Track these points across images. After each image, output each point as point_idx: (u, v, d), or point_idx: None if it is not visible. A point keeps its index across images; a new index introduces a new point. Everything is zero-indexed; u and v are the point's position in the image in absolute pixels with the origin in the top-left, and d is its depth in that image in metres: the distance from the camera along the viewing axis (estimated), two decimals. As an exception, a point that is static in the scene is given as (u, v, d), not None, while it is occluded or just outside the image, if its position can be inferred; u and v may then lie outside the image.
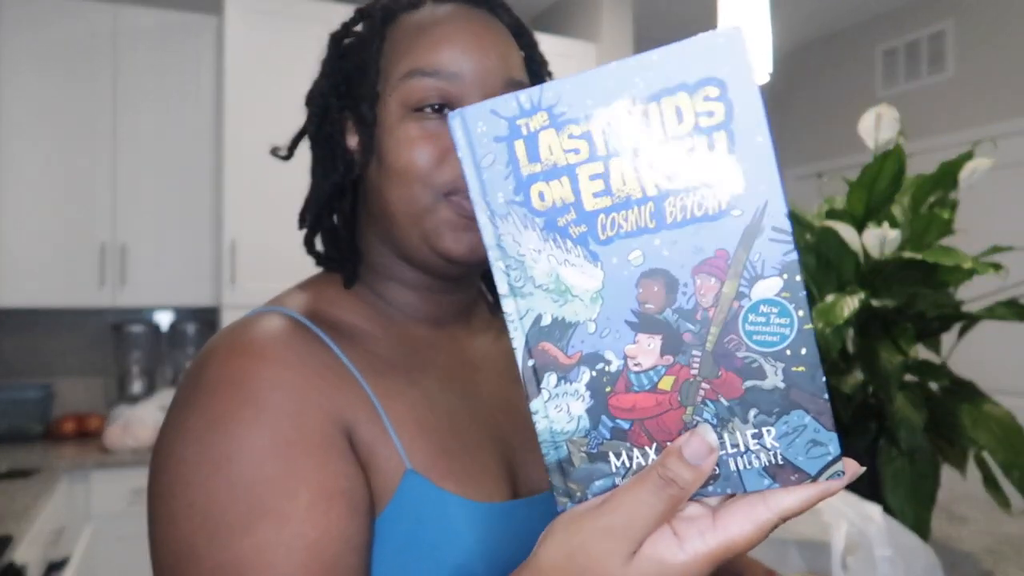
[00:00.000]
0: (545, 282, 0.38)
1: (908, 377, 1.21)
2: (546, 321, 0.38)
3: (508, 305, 0.39)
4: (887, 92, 3.59)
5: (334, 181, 0.61)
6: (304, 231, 0.65)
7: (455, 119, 0.38)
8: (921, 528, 1.09)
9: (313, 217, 0.63)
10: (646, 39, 3.95)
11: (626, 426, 0.38)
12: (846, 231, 1.16)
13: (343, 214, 0.64)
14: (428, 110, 0.57)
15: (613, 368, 0.38)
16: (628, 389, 0.38)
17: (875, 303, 1.15)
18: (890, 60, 3.61)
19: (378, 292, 0.63)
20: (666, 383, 0.37)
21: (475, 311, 0.69)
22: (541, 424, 0.39)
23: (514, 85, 0.59)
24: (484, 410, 0.62)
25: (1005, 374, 3.03)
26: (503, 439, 0.61)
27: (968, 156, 1.22)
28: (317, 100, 0.63)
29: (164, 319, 2.98)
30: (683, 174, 0.35)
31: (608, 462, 0.39)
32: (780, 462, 0.36)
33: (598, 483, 0.39)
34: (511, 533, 0.54)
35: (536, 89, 0.37)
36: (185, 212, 2.76)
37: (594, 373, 0.38)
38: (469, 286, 0.66)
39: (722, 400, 0.36)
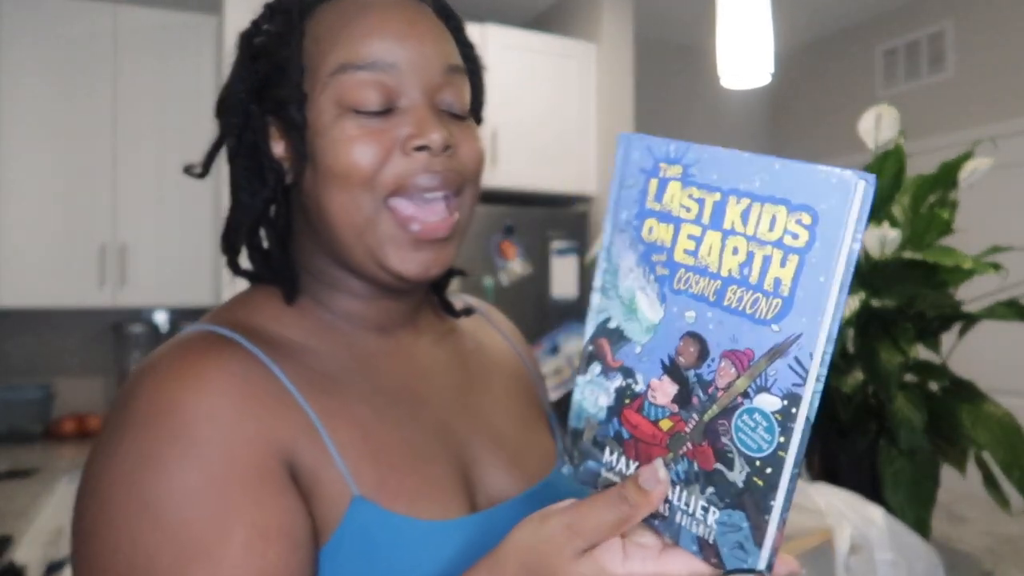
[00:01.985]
0: (624, 296, 0.44)
1: (908, 377, 1.21)
2: (612, 324, 0.45)
3: (595, 298, 0.46)
4: (887, 92, 3.59)
5: (265, 197, 0.57)
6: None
7: (627, 139, 0.45)
8: (921, 528, 1.09)
9: (243, 237, 0.58)
10: (646, 39, 3.95)
11: (626, 436, 0.44)
12: (846, 231, 1.16)
13: (276, 229, 0.58)
14: (366, 106, 0.53)
15: (637, 389, 0.44)
16: (640, 411, 0.44)
17: (875, 303, 1.15)
18: (890, 60, 3.61)
19: (320, 302, 0.59)
20: (665, 424, 0.42)
21: (422, 313, 0.65)
22: (576, 396, 0.47)
23: (453, 71, 0.56)
24: (436, 420, 0.58)
25: (1005, 374, 3.03)
26: (458, 449, 0.58)
27: (968, 156, 1.22)
28: (234, 107, 0.57)
29: (164, 319, 2.98)
30: (753, 273, 0.39)
31: (603, 453, 0.46)
32: (710, 542, 0.40)
33: (591, 463, 0.46)
34: (472, 548, 0.52)
35: (685, 145, 0.42)
36: (185, 212, 2.76)
37: (624, 383, 0.44)
38: (417, 289, 0.61)
39: (695, 465, 0.41)
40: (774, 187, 0.39)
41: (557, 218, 3.03)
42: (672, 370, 0.42)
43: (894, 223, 1.24)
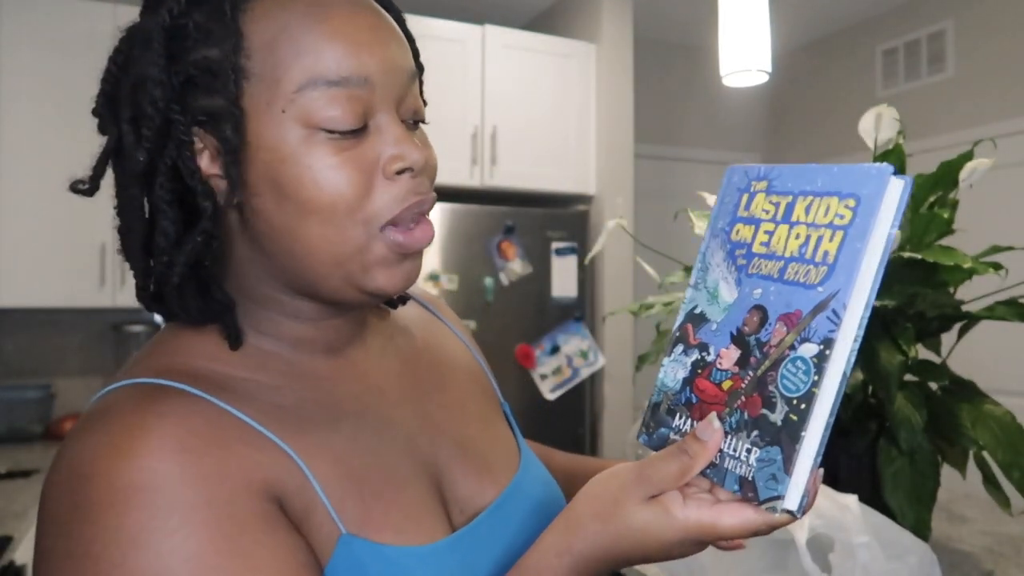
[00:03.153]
0: (710, 286, 0.52)
1: (908, 377, 1.21)
2: (697, 311, 0.53)
3: (688, 292, 0.54)
4: (887, 92, 3.59)
5: (203, 227, 0.48)
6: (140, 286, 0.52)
7: (731, 169, 0.54)
8: (921, 528, 1.09)
9: (174, 273, 0.48)
10: (646, 39, 3.95)
11: (694, 400, 0.51)
12: (846, 231, 1.16)
13: (213, 262, 0.50)
14: (341, 126, 0.47)
15: (709, 358, 0.51)
16: (708, 377, 0.50)
17: (875, 303, 1.15)
18: (890, 60, 3.61)
19: (261, 331, 0.53)
20: (727, 384, 0.49)
21: (367, 325, 0.61)
22: (660, 374, 0.54)
23: (413, 77, 0.52)
24: (403, 439, 0.56)
25: (1005, 374, 3.03)
26: (427, 463, 0.57)
27: (968, 156, 1.22)
28: (148, 115, 0.47)
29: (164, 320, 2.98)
30: (808, 250, 0.47)
31: (674, 418, 0.52)
32: (749, 478, 0.46)
33: (662, 430, 0.53)
34: (463, 567, 0.52)
35: (771, 166, 0.52)
36: (185, 212, 2.76)
37: (698, 356, 0.51)
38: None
39: (745, 414, 0.47)
40: (831, 184, 0.47)
41: (557, 218, 3.03)
42: (737, 338, 0.49)
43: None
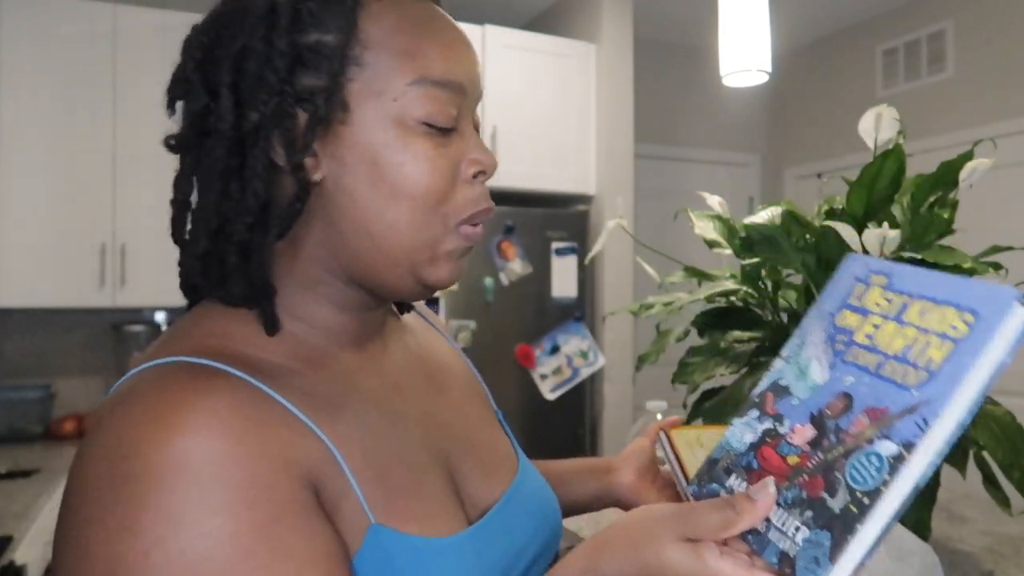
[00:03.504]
0: (802, 363, 0.53)
1: (908, 377, 1.21)
2: (782, 383, 0.53)
3: (776, 363, 0.55)
4: (887, 92, 3.59)
5: (301, 196, 0.50)
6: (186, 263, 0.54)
7: (853, 257, 0.56)
8: (921, 528, 1.09)
9: (232, 248, 0.51)
10: (646, 39, 3.95)
11: (755, 466, 0.51)
12: (846, 231, 1.16)
13: (271, 239, 0.51)
14: (440, 123, 0.51)
15: (782, 430, 0.51)
16: (776, 448, 0.51)
17: (875, 303, 1.15)
18: (890, 60, 3.61)
19: (296, 316, 0.54)
20: (792, 460, 0.49)
21: (386, 323, 0.63)
22: (727, 433, 0.54)
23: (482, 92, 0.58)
24: (420, 433, 0.58)
25: (1005, 374, 3.03)
26: (443, 459, 0.59)
27: (968, 156, 1.22)
28: (266, 83, 0.49)
29: (164, 319, 2.98)
30: (914, 352, 0.47)
31: (729, 477, 0.52)
32: (791, 555, 0.45)
33: (714, 485, 0.53)
34: (479, 559, 0.54)
35: (895, 264, 0.52)
36: (185, 212, 2.76)
37: (771, 426, 0.52)
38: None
39: (804, 493, 0.46)
40: (952, 294, 0.47)
41: (557, 218, 3.03)
42: (817, 419, 0.49)
43: (894, 223, 1.24)
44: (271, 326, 0.52)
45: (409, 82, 0.50)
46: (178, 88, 0.55)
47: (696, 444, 0.79)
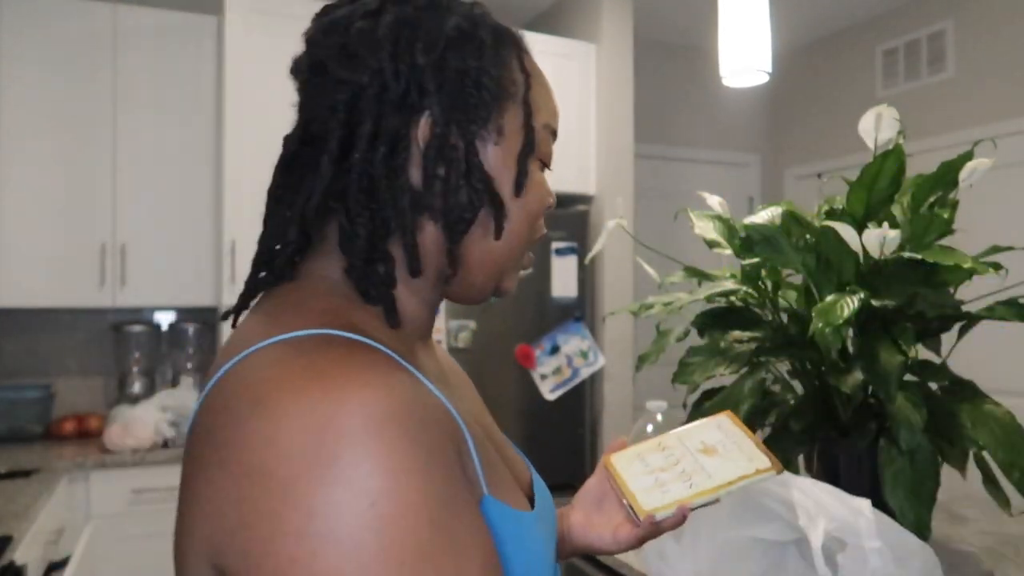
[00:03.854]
0: None
1: (908, 377, 1.21)
2: None
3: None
4: (887, 92, 3.59)
5: (477, 186, 0.54)
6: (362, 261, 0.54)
7: None
8: (921, 528, 1.09)
9: (410, 246, 0.54)
10: (646, 39, 3.95)
11: None
12: (846, 231, 1.16)
13: (450, 241, 0.55)
14: (546, 163, 0.62)
15: None
16: None
17: (875, 303, 1.15)
18: (890, 60, 3.61)
19: (400, 309, 0.57)
20: None
21: None
22: None
23: None
24: (476, 421, 0.61)
25: (1005, 374, 3.03)
26: (494, 445, 0.62)
27: (968, 156, 1.22)
28: (489, 83, 0.55)
29: (164, 319, 2.98)
30: None
31: None
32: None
33: None
34: (548, 534, 0.60)
35: None
36: (185, 212, 2.76)
37: None
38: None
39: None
40: None
41: (557, 218, 3.03)
42: None
43: (894, 223, 1.24)
44: (394, 319, 0.54)
45: (542, 125, 0.60)
46: (362, 77, 0.53)
47: (636, 460, 0.80)
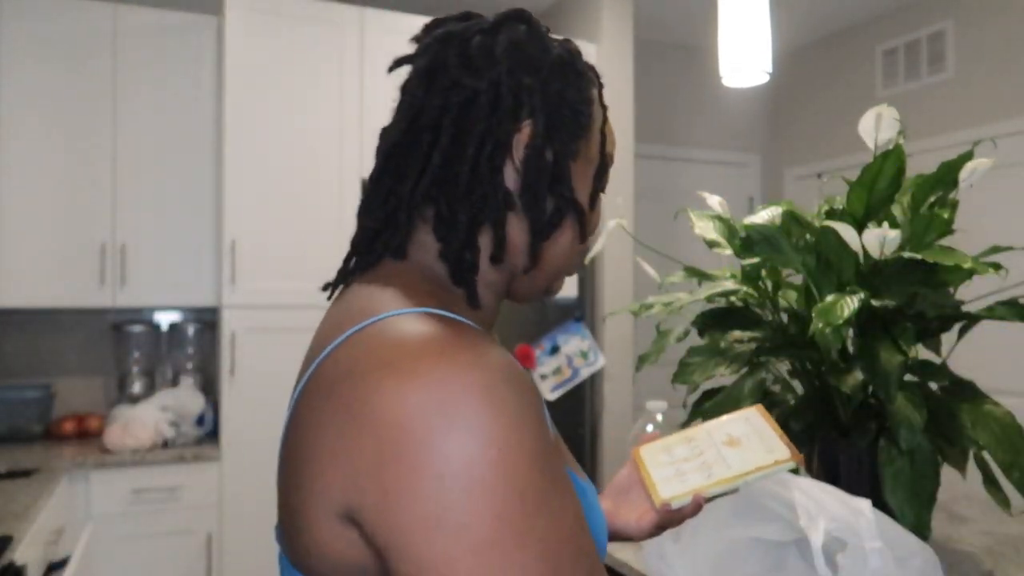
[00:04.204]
0: None
1: (908, 377, 1.21)
2: None
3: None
4: (887, 92, 3.59)
5: (566, 196, 0.63)
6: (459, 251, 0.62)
7: None
8: (921, 528, 1.09)
9: (498, 241, 0.61)
10: (646, 39, 3.95)
11: None
12: (846, 231, 1.16)
13: (539, 240, 0.63)
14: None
15: None
16: None
17: (875, 303, 1.15)
18: (890, 60, 3.61)
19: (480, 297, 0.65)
20: None
21: None
22: None
23: None
24: None
25: (1005, 374, 3.03)
26: None
27: (968, 156, 1.22)
28: (580, 110, 0.64)
29: (164, 319, 2.98)
30: None
31: None
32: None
33: None
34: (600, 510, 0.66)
35: None
36: (185, 212, 2.77)
37: None
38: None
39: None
40: None
41: (557, 218, 3.02)
42: None
43: (894, 223, 1.25)
44: (475, 302, 0.61)
45: (609, 153, 0.70)
46: (473, 82, 0.61)
47: (662, 451, 0.84)
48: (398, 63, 0.67)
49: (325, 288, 0.67)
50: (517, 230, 0.62)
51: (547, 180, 0.61)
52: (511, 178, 0.61)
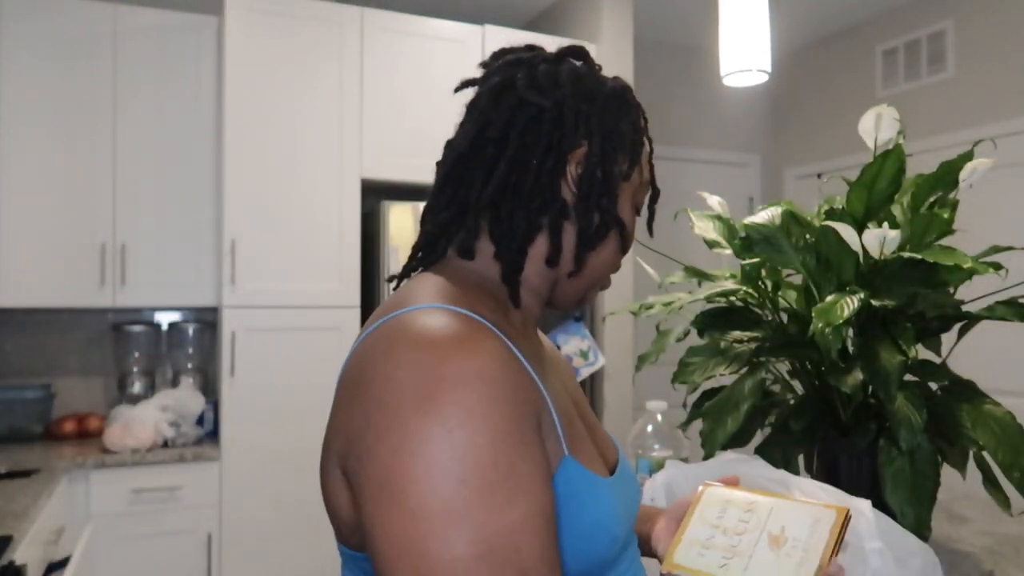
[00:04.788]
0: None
1: (908, 377, 1.21)
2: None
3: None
4: (887, 92, 3.59)
5: (608, 210, 0.69)
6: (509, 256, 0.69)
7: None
8: (921, 528, 1.09)
9: (553, 248, 0.69)
10: (646, 39, 3.95)
11: None
12: (846, 231, 1.16)
13: (583, 251, 0.71)
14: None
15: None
16: None
17: (875, 303, 1.15)
18: (890, 60, 3.61)
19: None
20: None
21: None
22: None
23: None
24: (569, 400, 0.72)
25: (1005, 374, 3.03)
26: (585, 422, 0.75)
27: (968, 156, 1.22)
28: (629, 138, 0.71)
29: (164, 319, 2.98)
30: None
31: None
32: None
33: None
34: (620, 499, 0.68)
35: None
36: (185, 212, 2.76)
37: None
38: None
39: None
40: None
41: (557, 218, 3.02)
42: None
43: (894, 223, 1.24)
44: (517, 300, 0.69)
45: (647, 179, 0.76)
46: (539, 104, 0.69)
47: (718, 508, 0.82)
48: (464, 85, 0.75)
49: (390, 280, 0.74)
50: (568, 238, 0.69)
51: (597, 196, 0.68)
52: (567, 191, 0.68)
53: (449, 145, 0.71)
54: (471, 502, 0.50)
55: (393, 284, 0.73)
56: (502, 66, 0.72)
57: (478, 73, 0.74)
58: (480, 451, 0.51)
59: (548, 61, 0.72)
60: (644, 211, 0.80)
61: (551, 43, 0.76)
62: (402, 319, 0.59)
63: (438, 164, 0.72)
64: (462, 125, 0.71)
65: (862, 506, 0.90)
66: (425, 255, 0.72)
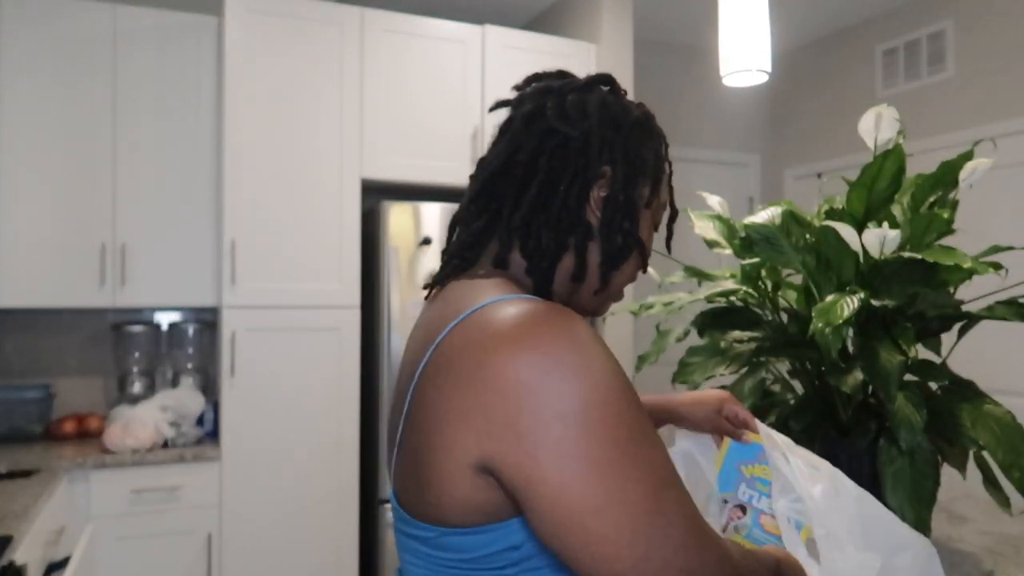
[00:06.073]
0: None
1: (908, 377, 1.21)
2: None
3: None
4: (887, 92, 3.59)
5: (629, 231, 0.74)
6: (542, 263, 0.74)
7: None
8: (921, 528, 1.09)
9: (580, 259, 0.73)
10: (646, 39, 3.95)
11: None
12: (846, 231, 1.16)
13: (608, 266, 0.76)
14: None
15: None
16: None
17: (875, 303, 1.15)
18: (890, 60, 3.61)
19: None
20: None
21: None
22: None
23: None
24: None
25: (1005, 374, 3.03)
26: None
27: (968, 156, 1.22)
28: (651, 164, 0.77)
29: (164, 319, 2.98)
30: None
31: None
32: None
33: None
34: None
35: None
36: (185, 212, 2.76)
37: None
38: None
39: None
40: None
41: (557, 218, 3.02)
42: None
43: (894, 223, 1.25)
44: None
45: (663, 202, 0.80)
46: (566, 131, 0.74)
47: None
48: (498, 105, 0.81)
49: (425, 287, 0.78)
50: (593, 257, 0.74)
51: (620, 219, 0.73)
52: (591, 214, 0.73)
53: (482, 163, 0.77)
54: (637, 443, 0.57)
55: (430, 292, 0.77)
56: (533, 93, 0.77)
57: (506, 89, 0.80)
58: (626, 402, 0.58)
59: (577, 90, 0.76)
60: (663, 228, 0.87)
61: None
62: (490, 310, 0.62)
63: (471, 178, 0.77)
64: (494, 145, 0.77)
65: (814, 491, 0.89)
66: (459, 262, 0.76)
